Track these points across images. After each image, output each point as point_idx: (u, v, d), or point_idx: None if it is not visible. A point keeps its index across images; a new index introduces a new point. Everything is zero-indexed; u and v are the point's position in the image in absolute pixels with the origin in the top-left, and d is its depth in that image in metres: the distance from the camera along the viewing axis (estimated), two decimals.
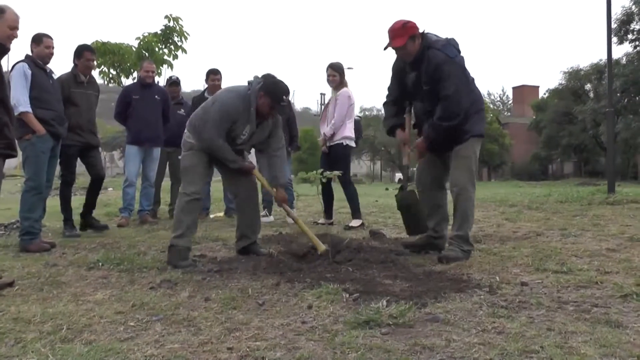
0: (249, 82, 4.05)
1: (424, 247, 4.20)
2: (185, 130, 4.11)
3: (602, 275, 3.34)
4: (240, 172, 4.15)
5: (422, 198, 4.19)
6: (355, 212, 6.07)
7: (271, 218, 6.67)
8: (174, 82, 7.38)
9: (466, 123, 3.88)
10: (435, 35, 3.99)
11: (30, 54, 4.80)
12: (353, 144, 6.22)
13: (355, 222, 5.96)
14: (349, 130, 6.11)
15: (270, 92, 3.91)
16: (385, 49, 3.95)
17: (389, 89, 4.29)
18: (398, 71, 4.16)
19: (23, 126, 4.51)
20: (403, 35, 3.83)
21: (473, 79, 4.04)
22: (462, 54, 3.96)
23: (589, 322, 2.43)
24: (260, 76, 4.14)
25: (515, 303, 2.75)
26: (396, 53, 4.05)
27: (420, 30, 3.91)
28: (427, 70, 3.84)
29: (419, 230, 4.25)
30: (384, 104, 4.34)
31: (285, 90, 3.97)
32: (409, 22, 3.88)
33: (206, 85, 7.02)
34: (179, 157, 4.33)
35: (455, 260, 3.74)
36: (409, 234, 4.41)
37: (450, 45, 3.90)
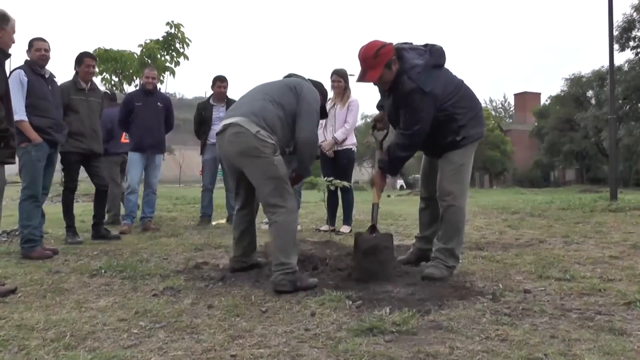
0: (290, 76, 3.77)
1: (419, 261, 3.98)
2: (255, 130, 3.31)
3: (605, 282, 3.34)
4: (292, 180, 3.61)
5: (428, 207, 3.94)
6: (348, 219, 6.26)
7: None
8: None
9: (460, 132, 3.54)
10: (414, 49, 3.53)
11: (28, 59, 4.78)
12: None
13: (346, 228, 6.10)
14: (354, 136, 6.39)
15: (321, 90, 3.80)
16: (358, 81, 3.44)
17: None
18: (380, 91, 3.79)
19: (19, 134, 4.50)
20: (377, 65, 3.35)
21: (461, 82, 3.63)
22: (444, 67, 3.55)
23: (592, 330, 2.43)
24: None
25: (518, 310, 2.75)
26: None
27: (395, 45, 3.45)
28: (399, 95, 3.46)
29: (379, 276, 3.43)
30: None
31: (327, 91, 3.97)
32: (382, 46, 3.36)
33: (212, 92, 7.06)
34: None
35: (439, 279, 3.44)
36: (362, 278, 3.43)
37: (427, 72, 3.40)
